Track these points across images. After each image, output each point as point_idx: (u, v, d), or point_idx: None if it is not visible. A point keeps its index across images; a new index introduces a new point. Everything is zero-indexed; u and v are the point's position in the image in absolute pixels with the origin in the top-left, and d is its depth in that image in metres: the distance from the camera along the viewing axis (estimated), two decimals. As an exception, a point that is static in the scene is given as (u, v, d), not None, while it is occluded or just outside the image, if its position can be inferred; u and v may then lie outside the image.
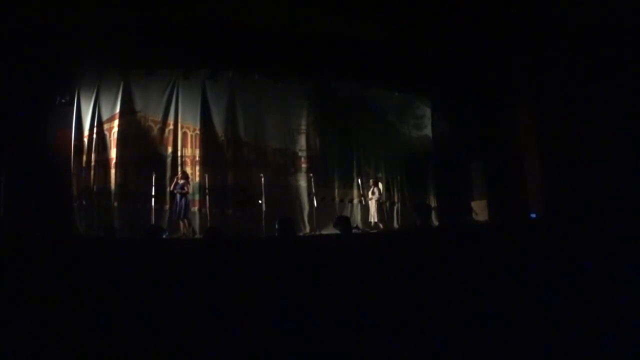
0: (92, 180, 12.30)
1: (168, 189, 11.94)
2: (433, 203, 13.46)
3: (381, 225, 12.40)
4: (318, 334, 3.56)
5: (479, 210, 12.50)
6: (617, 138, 10.52)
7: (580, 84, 10.82)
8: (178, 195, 11.65)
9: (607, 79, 10.41)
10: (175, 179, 11.75)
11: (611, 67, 10.30)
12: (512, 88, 12.17)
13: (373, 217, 12.46)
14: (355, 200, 12.76)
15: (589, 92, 10.72)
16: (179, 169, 12.51)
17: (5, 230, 10.10)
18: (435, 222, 12.82)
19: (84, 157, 12.33)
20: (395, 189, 13.18)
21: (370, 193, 12.70)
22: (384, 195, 12.94)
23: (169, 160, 12.59)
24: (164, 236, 11.34)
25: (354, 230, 11.85)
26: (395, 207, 12.79)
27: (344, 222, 11.94)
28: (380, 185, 12.69)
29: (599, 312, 3.67)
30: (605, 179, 10.68)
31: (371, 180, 12.81)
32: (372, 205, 12.65)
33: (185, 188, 11.71)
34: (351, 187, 13.47)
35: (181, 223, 11.71)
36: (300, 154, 13.50)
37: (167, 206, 12.11)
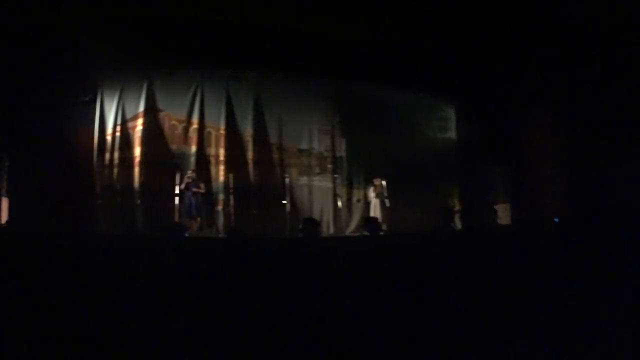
0: (114, 179, 12.22)
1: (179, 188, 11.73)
2: (456, 206, 13.34)
3: (384, 227, 12.27)
4: (341, 334, 3.55)
5: (502, 213, 12.43)
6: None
7: (603, 83, 10.79)
8: (189, 194, 11.51)
9: (629, 77, 10.40)
10: (186, 178, 11.58)
11: (632, 65, 10.28)
12: (535, 90, 12.12)
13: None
14: (376, 202, 12.61)
15: (611, 92, 10.70)
16: (203, 168, 12.41)
17: (26, 229, 9.99)
18: (458, 225, 12.73)
19: (107, 156, 12.25)
20: (417, 191, 13.04)
21: (372, 192, 12.51)
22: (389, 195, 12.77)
23: (192, 159, 12.47)
24: (185, 234, 11.27)
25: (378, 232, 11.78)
26: (415, 209, 12.60)
27: (372, 223, 11.94)
28: (384, 184, 12.48)
29: (619, 315, 3.71)
30: (628, 180, 10.66)
31: (375, 180, 12.61)
32: (376, 206, 12.47)
33: (196, 187, 11.59)
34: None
35: (192, 222, 11.53)
36: (325, 154, 13.41)
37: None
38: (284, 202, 12.20)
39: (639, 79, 10.27)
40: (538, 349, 3.05)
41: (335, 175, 13.28)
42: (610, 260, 5.73)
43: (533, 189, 12.32)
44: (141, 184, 12.19)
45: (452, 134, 14.10)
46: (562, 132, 12.00)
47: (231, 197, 12.35)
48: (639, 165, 10.51)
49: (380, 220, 12.22)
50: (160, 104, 12.65)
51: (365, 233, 11.62)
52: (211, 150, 12.76)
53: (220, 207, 12.47)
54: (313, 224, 11.96)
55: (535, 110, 12.37)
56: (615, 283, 4.47)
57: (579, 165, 11.60)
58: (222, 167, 12.66)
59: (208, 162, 12.67)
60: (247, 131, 12.97)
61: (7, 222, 9.71)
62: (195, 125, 12.74)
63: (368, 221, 11.83)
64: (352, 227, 12.85)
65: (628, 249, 6.32)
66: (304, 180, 13.14)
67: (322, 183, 13.32)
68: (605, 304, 3.92)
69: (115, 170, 12.27)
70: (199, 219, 11.71)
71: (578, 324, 3.49)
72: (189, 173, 11.69)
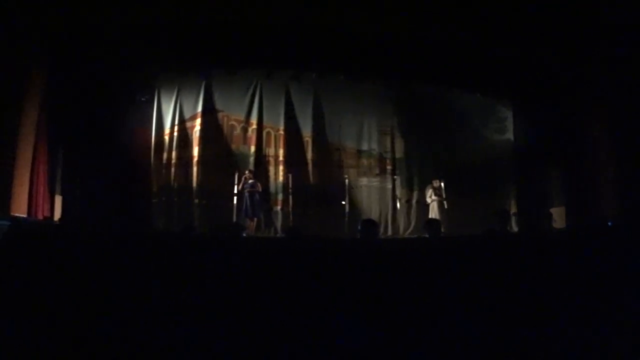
0: (172, 178, 12.26)
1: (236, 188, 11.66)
2: (513, 209, 13.20)
3: (442, 229, 12.12)
4: (395, 336, 3.44)
5: (558, 217, 12.27)
6: None
7: None
8: (247, 194, 11.45)
9: None
10: (243, 178, 11.52)
11: None
12: (592, 92, 12.03)
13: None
14: (436, 204, 12.47)
15: None
16: (262, 168, 12.39)
17: (84, 228, 9.96)
18: (515, 228, 12.57)
19: (165, 155, 12.30)
20: (474, 193, 12.91)
21: (432, 194, 12.33)
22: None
23: (251, 159, 12.45)
24: (243, 234, 11.20)
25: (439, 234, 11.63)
26: (472, 212, 12.45)
27: (434, 225, 11.79)
28: (442, 185, 12.35)
29: None
30: None
31: (434, 182, 12.39)
32: (434, 207, 12.34)
33: (254, 187, 11.53)
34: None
35: (249, 221, 11.46)
36: (384, 155, 13.31)
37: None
38: (342, 202, 12.09)
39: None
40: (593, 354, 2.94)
41: (394, 177, 13.19)
42: None
43: (589, 193, 12.18)
44: (199, 183, 12.20)
45: (509, 135, 13.92)
46: (619, 134, 11.91)
47: (290, 197, 12.20)
48: None
49: (440, 221, 12.09)
50: (219, 104, 12.72)
51: (425, 235, 11.50)
52: (270, 151, 12.74)
53: (279, 207, 12.38)
54: (371, 225, 11.81)
55: (592, 113, 12.27)
56: None
57: (635, 168, 11.49)
58: (281, 168, 12.61)
59: (267, 162, 12.62)
60: (306, 132, 12.93)
61: (60, 219, 9.67)
62: (254, 126, 12.74)
63: (429, 223, 11.65)
64: (410, 228, 12.70)
65: None
66: (362, 181, 13.05)
67: (381, 184, 13.21)
68: None
69: (173, 169, 12.27)
70: (255, 219, 11.59)
71: (630, 330, 3.33)
72: (246, 173, 11.62)
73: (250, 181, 11.58)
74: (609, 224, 11.93)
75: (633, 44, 10.58)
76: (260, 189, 11.75)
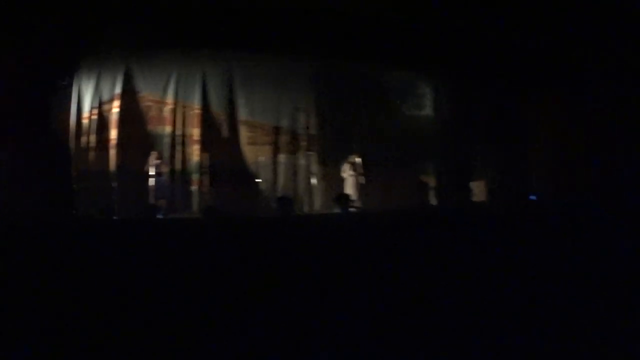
0: (92, 162, 12.40)
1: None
2: (432, 183, 13.10)
3: (358, 204, 12.12)
4: (312, 311, 3.53)
5: (478, 190, 12.19)
6: (619, 123, 10.26)
7: (586, 69, 10.47)
8: (155, 175, 11.66)
9: (611, 65, 10.09)
10: (150, 159, 11.70)
11: (619, 54, 9.97)
12: (518, 68, 11.76)
13: (351, 195, 12.15)
14: (352, 179, 12.44)
15: (594, 77, 10.40)
16: (178, 148, 12.48)
17: (6, 215, 10.25)
18: (435, 202, 12.53)
19: (85, 139, 12.44)
20: (393, 169, 12.83)
21: (348, 170, 12.32)
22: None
23: (167, 139, 12.52)
24: (159, 216, 11.42)
25: (352, 209, 11.68)
26: (390, 187, 12.42)
27: (343, 200, 11.85)
28: (358, 161, 12.32)
29: (592, 294, 3.60)
30: (606, 163, 10.44)
31: (350, 157, 12.43)
32: (350, 183, 12.30)
33: (160, 167, 11.68)
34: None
35: (161, 202, 11.68)
36: (300, 132, 13.28)
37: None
38: (258, 180, 12.16)
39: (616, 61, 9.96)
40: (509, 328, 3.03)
41: (310, 153, 13.11)
42: (586, 239, 5.64)
43: (510, 167, 12.09)
44: (118, 166, 12.31)
45: (429, 111, 13.75)
46: (541, 108, 11.73)
47: (206, 177, 12.28)
48: (618, 148, 10.29)
49: (355, 197, 12.12)
50: (137, 85, 12.73)
51: (337, 210, 11.58)
52: (186, 130, 12.71)
53: (195, 187, 12.46)
54: (287, 202, 11.99)
55: (512, 88, 12.06)
56: (591, 262, 4.53)
57: (557, 145, 11.35)
58: (196, 147, 12.61)
59: (183, 142, 12.63)
60: (221, 110, 12.90)
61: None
62: (170, 106, 12.71)
63: (338, 198, 11.76)
64: (326, 204, 12.75)
65: (605, 228, 6.20)
66: (278, 158, 13.05)
67: (297, 161, 13.22)
68: (579, 282, 3.93)
69: (93, 153, 12.40)
70: (164, 200, 11.67)
71: (549, 303, 3.47)
72: (154, 154, 11.70)
73: (157, 161, 11.68)
74: (532, 197, 11.91)
75: (555, 15, 10.30)
76: (166, 170, 11.84)
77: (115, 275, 4.64)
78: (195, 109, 12.81)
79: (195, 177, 12.54)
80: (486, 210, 11.68)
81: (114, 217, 11.24)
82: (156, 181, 11.72)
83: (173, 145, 12.52)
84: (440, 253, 5.76)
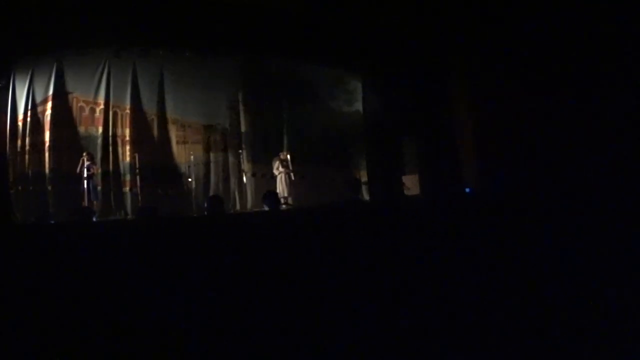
0: (27, 165, 12.42)
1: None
2: (364, 178, 12.96)
3: (290, 201, 12.06)
4: (247, 312, 3.56)
5: (411, 184, 12.01)
6: (548, 112, 10.03)
7: (514, 59, 10.21)
8: (85, 177, 11.58)
9: (541, 55, 9.83)
10: (81, 161, 11.62)
11: (544, 44, 9.69)
12: (445, 61, 11.52)
13: (282, 192, 12.09)
14: (283, 176, 12.36)
15: (522, 68, 10.13)
16: (109, 149, 12.51)
17: None
18: (366, 197, 12.40)
19: (19, 142, 12.43)
20: (324, 165, 12.73)
21: (279, 166, 12.26)
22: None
23: (99, 140, 12.56)
24: (93, 218, 11.48)
25: (282, 206, 11.64)
26: (322, 182, 12.35)
27: (271, 197, 11.79)
28: (289, 157, 12.25)
29: (526, 286, 3.63)
30: (538, 156, 10.27)
31: (280, 154, 12.40)
32: (281, 179, 12.23)
33: (91, 169, 11.64)
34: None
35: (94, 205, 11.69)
36: (230, 130, 13.21)
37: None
38: (189, 179, 12.17)
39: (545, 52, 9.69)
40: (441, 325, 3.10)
41: (240, 151, 13.07)
42: (521, 232, 5.57)
43: (442, 160, 11.91)
44: (52, 169, 12.36)
45: (359, 106, 13.50)
46: (473, 100, 11.48)
47: (137, 178, 12.31)
48: (547, 139, 10.03)
49: (285, 194, 12.06)
50: (69, 86, 12.70)
51: (265, 208, 11.54)
52: (117, 131, 12.76)
53: (127, 188, 12.52)
54: (217, 201, 11.97)
55: (445, 82, 11.81)
56: (524, 256, 4.45)
57: (489, 136, 11.15)
58: (128, 148, 12.62)
59: (114, 143, 12.67)
60: (152, 109, 12.92)
61: None
62: (101, 106, 12.72)
63: (267, 195, 11.70)
64: (258, 202, 12.73)
65: (539, 221, 6.11)
66: (209, 156, 13.03)
67: (227, 159, 13.22)
68: (514, 277, 3.92)
69: (27, 157, 12.46)
70: (95, 202, 11.75)
71: (482, 299, 3.50)
72: (84, 155, 11.73)
73: (87, 163, 11.70)
74: (467, 190, 11.74)
75: (487, 9, 10.02)
76: (96, 172, 11.88)
77: (48, 280, 4.66)
78: (126, 109, 12.68)
79: (127, 178, 12.54)
80: (419, 204, 11.52)
81: (49, 222, 11.32)
82: (88, 183, 11.66)
83: (104, 147, 12.46)
84: (372, 248, 5.69)
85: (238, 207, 12.80)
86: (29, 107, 12.51)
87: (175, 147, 12.87)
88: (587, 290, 3.35)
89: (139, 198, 12.32)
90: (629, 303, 3.13)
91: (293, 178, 12.22)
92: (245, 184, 12.95)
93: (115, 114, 12.76)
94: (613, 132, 8.72)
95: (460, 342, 2.85)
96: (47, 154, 12.46)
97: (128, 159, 12.66)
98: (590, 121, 9.10)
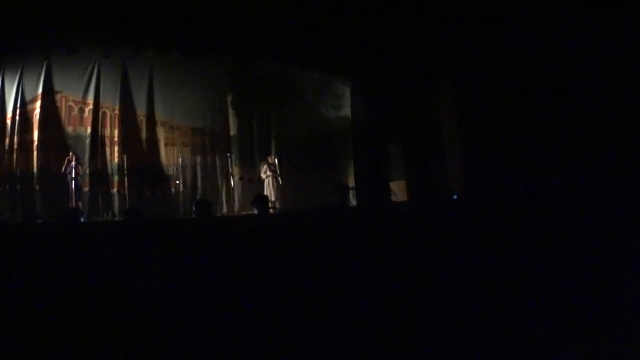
0: (14, 164, 12.36)
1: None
2: (351, 183, 13.01)
3: (277, 205, 12.10)
4: (235, 317, 3.55)
5: (398, 190, 12.07)
6: (537, 117, 10.12)
7: (503, 65, 10.28)
8: (70, 178, 11.50)
9: (528, 61, 9.91)
10: (66, 161, 11.54)
11: (531, 51, 9.78)
12: (433, 68, 11.60)
13: (270, 196, 12.13)
14: (271, 180, 12.40)
15: (511, 73, 10.21)
16: (97, 149, 12.52)
17: None
18: (353, 202, 12.44)
19: (7, 141, 12.38)
20: (312, 169, 12.79)
21: (266, 170, 12.28)
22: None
23: (88, 141, 12.54)
24: (82, 219, 11.44)
25: (271, 210, 11.65)
26: (310, 187, 12.41)
27: (261, 201, 11.80)
28: (277, 161, 12.32)
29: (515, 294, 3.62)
30: (525, 161, 10.33)
31: (268, 158, 12.44)
32: (269, 183, 12.27)
33: (76, 169, 11.56)
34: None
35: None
36: (218, 133, 13.24)
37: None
38: (177, 182, 12.17)
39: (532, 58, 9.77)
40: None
41: (228, 154, 13.06)
42: (508, 240, 5.60)
43: (430, 166, 11.96)
44: (39, 169, 12.32)
45: (347, 112, 13.57)
46: (460, 109, 11.55)
47: (125, 179, 12.29)
48: (534, 144, 10.14)
49: (273, 198, 12.08)
50: (58, 85, 12.68)
51: (254, 212, 11.53)
52: (106, 131, 12.73)
53: (115, 190, 12.50)
54: (205, 204, 11.96)
55: (433, 87, 11.88)
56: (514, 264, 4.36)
57: (477, 142, 11.20)
58: (116, 148, 12.61)
59: (103, 144, 12.65)
60: (141, 111, 12.92)
61: None
62: (90, 106, 12.71)
63: (256, 199, 11.69)
64: (245, 206, 12.76)
65: (526, 228, 6.15)
66: (196, 159, 13.05)
67: (215, 162, 13.22)
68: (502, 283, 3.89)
69: (15, 155, 12.40)
70: (80, 203, 11.71)
71: (474, 303, 3.55)
72: (70, 155, 11.66)
73: (73, 163, 11.63)
74: (454, 197, 11.80)
75: (470, 15, 10.07)
76: (82, 172, 11.86)
77: (33, 280, 4.65)
78: (115, 110, 12.68)
79: (114, 179, 12.53)
80: (407, 209, 11.57)
81: (35, 222, 11.28)
82: (74, 184, 11.57)
83: (93, 147, 12.44)
84: (358, 253, 5.71)
85: (225, 210, 12.79)
86: (18, 106, 12.44)
87: (163, 149, 12.84)
88: (579, 294, 3.39)
89: (126, 199, 12.28)
90: (624, 307, 3.18)
91: (280, 182, 12.18)
92: (232, 187, 12.89)
93: (104, 114, 12.70)
94: (605, 136, 8.80)
95: (450, 348, 2.89)
96: (34, 153, 12.39)
97: (116, 159, 12.64)
98: (579, 126, 9.15)
